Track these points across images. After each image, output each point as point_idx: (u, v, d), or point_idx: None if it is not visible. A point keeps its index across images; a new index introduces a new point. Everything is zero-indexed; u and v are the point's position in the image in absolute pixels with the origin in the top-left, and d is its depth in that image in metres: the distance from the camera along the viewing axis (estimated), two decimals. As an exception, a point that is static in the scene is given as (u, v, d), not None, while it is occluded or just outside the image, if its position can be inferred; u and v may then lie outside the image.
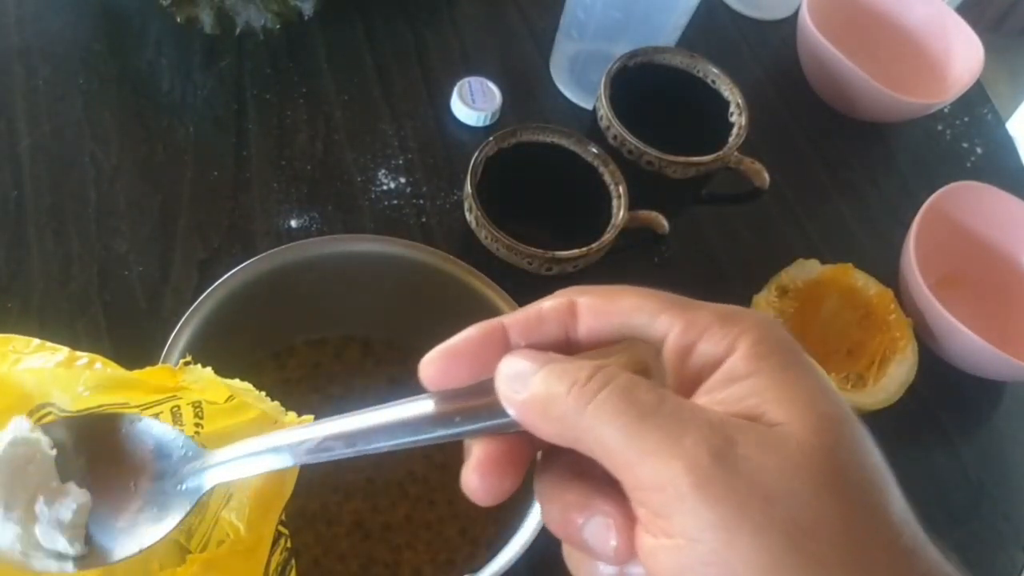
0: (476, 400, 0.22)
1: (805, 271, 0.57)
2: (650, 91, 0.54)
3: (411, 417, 0.23)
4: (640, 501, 0.20)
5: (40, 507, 0.27)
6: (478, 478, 0.22)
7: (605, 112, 0.52)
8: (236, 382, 0.31)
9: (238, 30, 0.58)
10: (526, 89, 0.64)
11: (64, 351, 0.31)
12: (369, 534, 0.44)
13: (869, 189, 0.68)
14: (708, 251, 0.61)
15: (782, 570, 0.18)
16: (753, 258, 0.61)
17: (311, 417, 0.31)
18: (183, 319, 0.40)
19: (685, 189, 0.54)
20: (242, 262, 0.42)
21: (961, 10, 0.71)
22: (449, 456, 0.46)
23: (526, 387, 0.21)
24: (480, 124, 0.61)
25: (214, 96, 0.59)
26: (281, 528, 0.32)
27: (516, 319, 0.23)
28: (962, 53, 0.69)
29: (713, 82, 0.55)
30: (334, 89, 0.61)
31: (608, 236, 0.48)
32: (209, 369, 0.32)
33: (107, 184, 0.54)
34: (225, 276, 0.42)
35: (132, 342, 0.48)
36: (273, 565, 0.32)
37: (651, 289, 0.23)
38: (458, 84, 0.61)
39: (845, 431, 0.20)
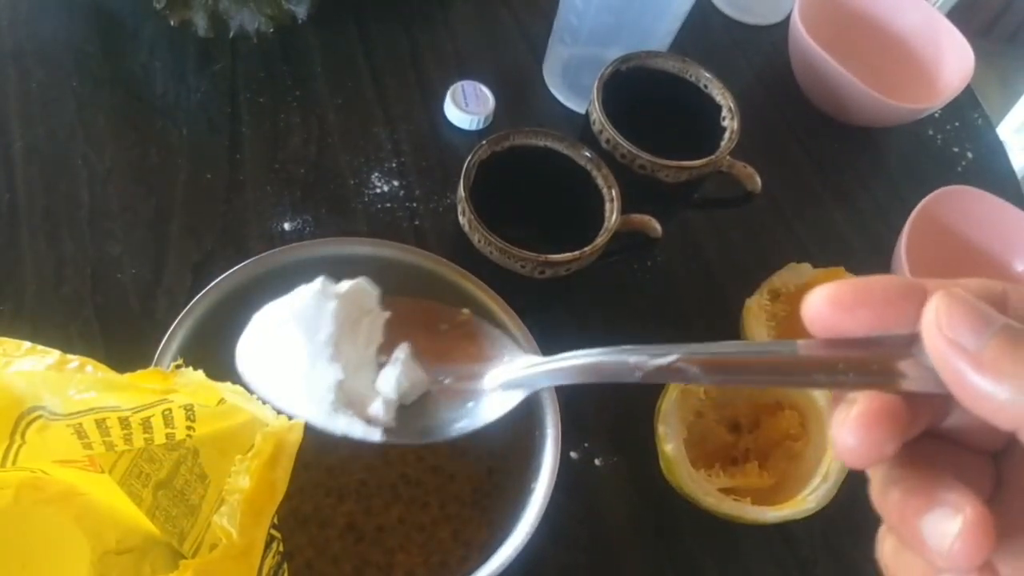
0: (868, 352, 0.20)
1: (797, 275, 0.57)
2: (643, 95, 0.54)
3: (790, 356, 0.20)
4: None
5: (358, 362, 0.26)
6: (859, 433, 0.19)
7: (598, 116, 0.52)
8: (227, 385, 0.31)
9: (231, 33, 0.58)
10: (519, 93, 0.65)
11: (55, 354, 0.31)
12: (362, 536, 0.44)
13: (860, 193, 0.68)
14: (700, 255, 0.61)
15: None
16: (745, 262, 0.61)
17: (302, 421, 0.31)
18: (176, 321, 0.40)
19: (677, 193, 0.54)
20: (235, 265, 0.42)
21: (951, 15, 0.72)
22: (442, 458, 0.46)
23: (982, 351, 0.18)
24: (473, 128, 0.61)
25: (207, 99, 0.59)
26: (273, 531, 0.32)
27: (938, 284, 0.20)
28: (952, 58, 0.69)
29: (705, 86, 0.55)
30: (328, 92, 0.61)
31: (601, 240, 0.48)
32: (200, 372, 0.32)
33: (100, 186, 0.54)
34: (218, 279, 0.41)
35: (125, 344, 0.48)
36: (266, 569, 0.32)
37: None
38: (451, 88, 0.61)
39: None
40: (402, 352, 0.26)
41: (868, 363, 0.20)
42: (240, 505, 0.30)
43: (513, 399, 0.26)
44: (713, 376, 0.21)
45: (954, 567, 0.19)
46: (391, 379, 0.26)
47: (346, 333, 0.26)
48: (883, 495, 0.20)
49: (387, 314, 0.27)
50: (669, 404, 0.49)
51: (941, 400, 0.20)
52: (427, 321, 0.28)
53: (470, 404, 0.26)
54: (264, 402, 0.29)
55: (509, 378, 0.26)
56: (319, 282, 0.27)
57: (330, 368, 0.25)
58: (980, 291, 0.20)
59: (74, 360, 0.30)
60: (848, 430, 0.20)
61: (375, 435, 0.26)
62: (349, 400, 0.26)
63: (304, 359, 0.26)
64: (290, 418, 0.30)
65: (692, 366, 0.21)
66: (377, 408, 0.26)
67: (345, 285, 0.27)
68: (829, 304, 0.20)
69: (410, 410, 0.26)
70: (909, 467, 0.20)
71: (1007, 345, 0.18)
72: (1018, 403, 0.18)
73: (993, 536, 0.19)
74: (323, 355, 0.26)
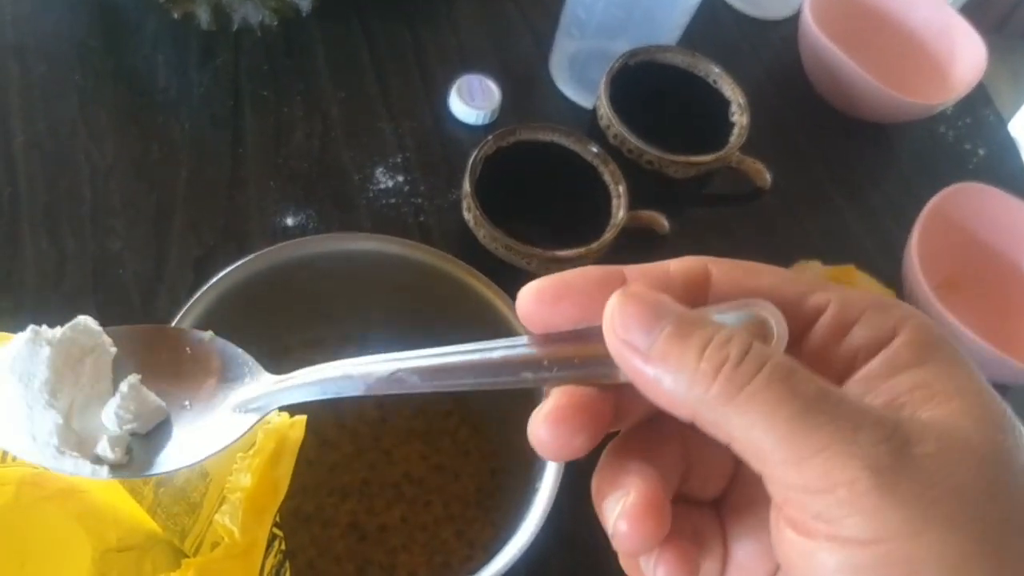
0: (574, 346, 0.20)
1: (807, 272, 0.57)
2: (651, 90, 0.54)
3: (497, 358, 0.21)
4: (795, 502, 0.18)
5: (84, 402, 0.26)
6: (549, 427, 0.20)
7: (605, 111, 0.52)
8: None
9: (235, 26, 0.57)
10: (525, 87, 0.64)
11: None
12: (365, 536, 0.43)
13: (871, 190, 0.68)
14: (708, 252, 0.60)
15: (971, 566, 0.17)
16: (754, 259, 0.60)
17: (303, 418, 0.31)
18: (177, 318, 0.39)
19: (686, 189, 0.53)
20: (237, 261, 0.42)
21: (964, 11, 0.71)
22: (445, 457, 0.45)
23: (650, 343, 0.19)
24: (479, 122, 0.60)
25: (210, 93, 0.58)
26: (275, 530, 0.31)
27: (638, 272, 0.21)
28: (965, 54, 0.68)
29: (714, 81, 0.55)
30: (331, 87, 0.61)
31: (608, 236, 0.48)
32: None
33: (102, 182, 0.53)
34: (220, 275, 0.41)
35: (126, 341, 0.48)
36: (267, 568, 0.31)
37: (784, 269, 0.21)
38: (456, 82, 0.61)
39: (1018, 431, 0.19)
40: (125, 384, 0.26)
41: (571, 358, 0.20)
42: (242, 503, 0.29)
43: (248, 421, 0.26)
44: (430, 382, 0.22)
45: (622, 548, 0.20)
46: (110, 414, 0.26)
47: (65, 376, 0.26)
48: (594, 483, 0.21)
49: (114, 350, 0.27)
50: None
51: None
52: (168, 347, 0.28)
53: (208, 429, 0.26)
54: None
55: (241, 400, 0.26)
56: (30, 330, 0.27)
57: (47, 413, 0.25)
58: (680, 273, 0.21)
59: None
60: (539, 424, 0.20)
61: (102, 473, 0.25)
62: (79, 440, 0.26)
63: (23, 407, 0.26)
64: (289, 420, 0.30)
65: (411, 375, 0.22)
66: (104, 446, 0.26)
67: (59, 330, 0.27)
68: (534, 299, 0.21)
69: (150, 440, 0.26)
70: (622, 457, 0.21)
71: (674, 338, 0.19)
72: (687, 393, 0.18)
73: (658, 519, 0.20)
74: (39, 401, 0.26)
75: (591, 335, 0.20)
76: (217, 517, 0.30)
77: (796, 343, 0.20)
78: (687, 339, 0.19)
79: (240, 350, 0.28)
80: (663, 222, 0.50)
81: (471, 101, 0.60)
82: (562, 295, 0.21)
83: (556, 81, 0.65)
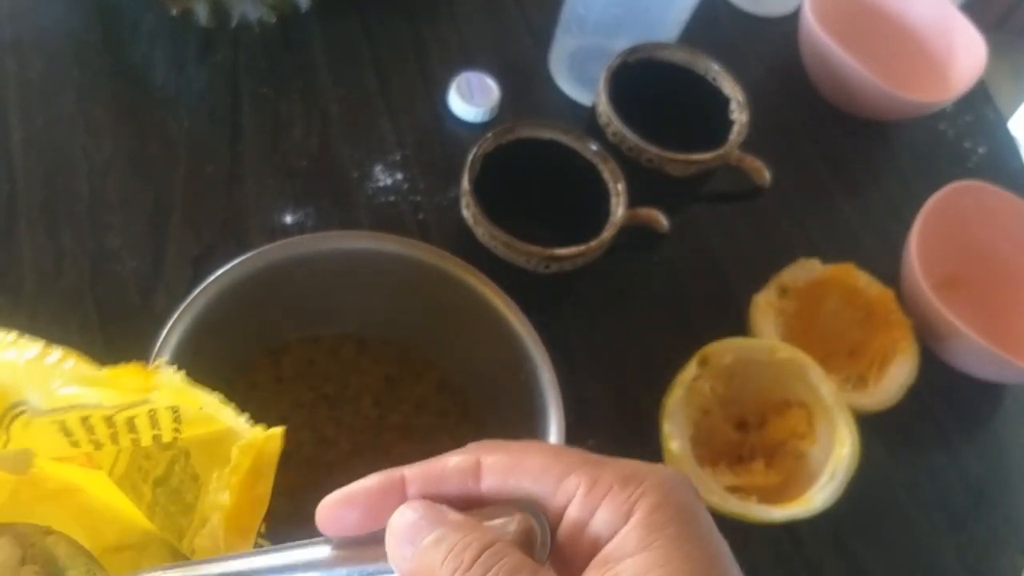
0: (367, 549, 0.23)
1: (806, 271, 0.57)
2: (650, 87, 0.54)
3: (297, 561, 0.23)
4: None
5: None
6: None
7: (604, 108, 0.51)
8: (205, 393, 0.31)
9: (233, 23, 0.57)
10: (525, 85, 0.64)
11: (37, 346, 0.30)
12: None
13: (871, 188, 0.67)
14: (708, 250, 0.61)
15: None
16: (753, 257, 0.60)
17: (280, 430, 0.30)
18: (176, 315, 0.39)
19: (685, 187, 0.53)
20: (236, 258, 0.42)
21: (964, 8, 0.71)
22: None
23: (414, 553, 0.21)
24: (478, 120, 0.60)
25: (209, 90, 0.58)
26: (262, 541, 0.31)
27: (417, 473, 0.23)
28: (965, 52, 0.68)
29: (714, 79, 0.55)
30: (330, 83, 0.61)
31: (607, 234, 0.48)
32: (180, 375, 0.31)
33: (100, 178, 0.53)
34: (219, 272, 0.41)
35: (124, 338, 0.48)
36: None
37: (560, 446, 0.24)
38: (456, 79, 0.60)
39: None
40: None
41: (360, 558, 0.22)
42: (222, 524, 0.29)
43: None
44: None
45: None
46: None
47: None
48: None
49: None
50: (675, 401, 0.48)
51: None
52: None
53: None
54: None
55: None
56: None
57: None
58: (455, 469, 0.23)
59: (56, 351, 0.30)
60: None
61: None
62: None
63: None
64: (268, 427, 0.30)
65: None
66: None
67: None
68: (326, 507, 0.23)
69: None
70: None
71: (429, 547, 0.21)
72: None
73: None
74: None
75: (375, 539, 0.22)
76: (198, 541, 0.30)
77: (554, 530, 0.22)
78: (438, 547, 0.21)
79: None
80: (662, 220, 0.50)
81: (470, 98, 0.60)
82: (349, 503, 0.23)
83: (555, 78, 0.65)
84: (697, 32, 0.61)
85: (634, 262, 0.58)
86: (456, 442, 0.46)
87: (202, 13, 0.56)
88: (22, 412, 0.29)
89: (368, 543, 0.23)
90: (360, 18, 0.64)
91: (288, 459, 0.44)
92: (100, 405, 0.29)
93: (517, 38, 0.67)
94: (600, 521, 0.21)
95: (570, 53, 0.63)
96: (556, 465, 0.22)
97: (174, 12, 0.56)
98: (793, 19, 0.70)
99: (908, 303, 0.57)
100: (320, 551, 0.23)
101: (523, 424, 0.42)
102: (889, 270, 0.59)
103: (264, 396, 0.45)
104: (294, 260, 0.43)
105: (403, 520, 0.22)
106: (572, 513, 0.22)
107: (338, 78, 0.61)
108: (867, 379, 0.55)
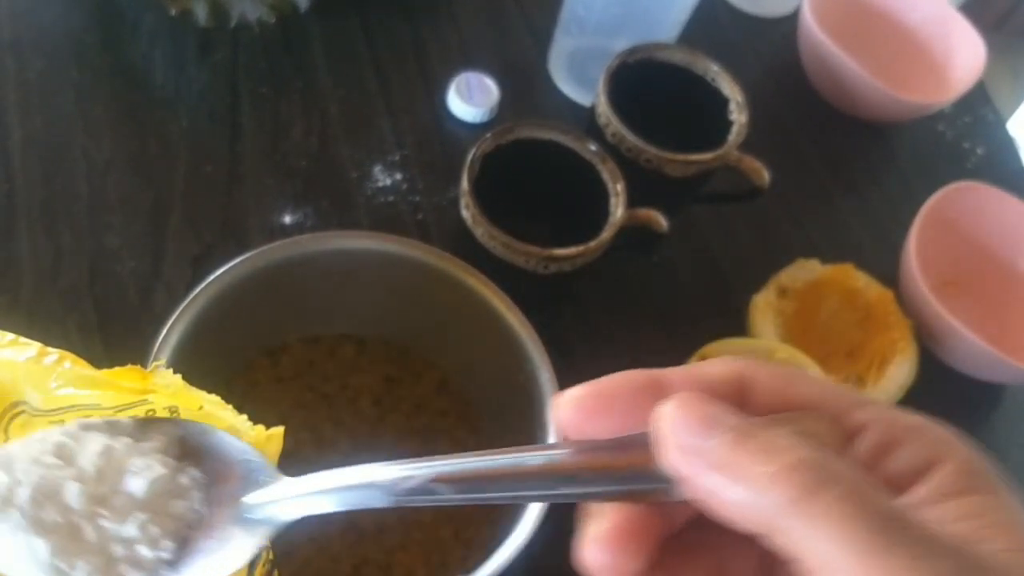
0: (616, 456, 0.19)
1: (805, 271, 0.57)
2: (649, 88, 0.54)
3: (535, 468, 0.20)
4: None
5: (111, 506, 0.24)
6: (604, 553, 0.19)
7: (604, 109, 0.51)
8: (204, 394, 0.30)
9: (233, 23, 0.57)
10: (524, 85, 0.64)
11: (35, 347, 0.30)
12: (362, 535, 0.43)
13: (870, 189, 0.67)
14: (707, 250, 0.61)
15: None
16: (752, 258, 0.60)
17: (281, 430, 0.30)
18: (175, 315, 0.39)
19: (684, 187, 0.53)
20: (235, 258, 0.42)
21: (963, 10, 0.71)
22: (444, 456, 0.45)
23: (712, 455, 0.18)
24: (477, 120, 0.60)
25: (208, 90, 0.58)
26: None
27: (682, 376, 0.20)
28: (964, 53, 0.68)
29: (713, 79, 0.55)
30: (330, 83, 0.61)
31: (606, 234, 0.48)
32: (178, 377, 0.31)
33: (99, 178, 0.53)
34: (218, 272, 0.41)
35: (123, 338, 0.48)
36: (256, 579, 0.31)
37: (822, 376, 0.21)
38: (455, 79, 0.60)
39: None
40: (155, 494, 0.24)
41: (613, 469, 0.19)
42: None
43: (253, 540, 0.23)
44: (464, 494, 0.20)
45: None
46: (134, 526, 0.23)
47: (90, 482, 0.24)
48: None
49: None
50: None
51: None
52: (174, 441, 0.26)
53: (214, 541, 0.23)
54: None
55: (249, 507, 0.23)
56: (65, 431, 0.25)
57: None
58: (721, 380, 0.20)
59: (53, 353, 0.30)
60: (591, 549, 0.19)
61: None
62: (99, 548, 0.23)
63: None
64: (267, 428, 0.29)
65: (443, 486, 0.20)
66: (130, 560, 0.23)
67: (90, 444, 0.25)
68: (573, 409, 0.20)
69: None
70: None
71: (738, 444, 0.18)
72: (755, 502, 0.18)
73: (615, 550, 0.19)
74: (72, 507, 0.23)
75: (633, 444, 0.19)
76: None
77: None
78: (752, 445, 0.18)
79: (247, 447, 0.25)
80: (661, 220, 0.50)
81: (470, 99, 0.60)
82: (603, 405, 0.20)
83: (555, 79, 0.65)
84: (696, 33, 0.61)
85: (633, 262, 0.58)
86: (455, 443, 0.46)
87: (201, 13, 0.56)
88: (21, 412, 0.29)
89: (618, 448, 0.19)
90: (360, 18, 0.64)
91: (287, 459, 0.44)
92: (99, 406, 0.29)
93: (517, 38, 0.67)
94: (903, 460, 0.19)
95: (569, 53, 0.63)
96: (839, 397, 0.20)
97: (173, 12, 0.56)
98: (792, 20, 0.70)
99: (907, 304, 0.57)
100: (558, 456, 0.19)
101: (522, 424, 0.42)
102: (888, 271, 0.59)
103: (264, 396, 0.45)
104: (294, 260, 0.43)
105: (691, 412, 0.18)
106: (864, 448, 0.19)
107: (337, 78, 0.61)
108: (866, 380, 0.55)
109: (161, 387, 0.30)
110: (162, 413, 0.30)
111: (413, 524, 0.44)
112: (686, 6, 0.58)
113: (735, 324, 0.55)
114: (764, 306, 0.55)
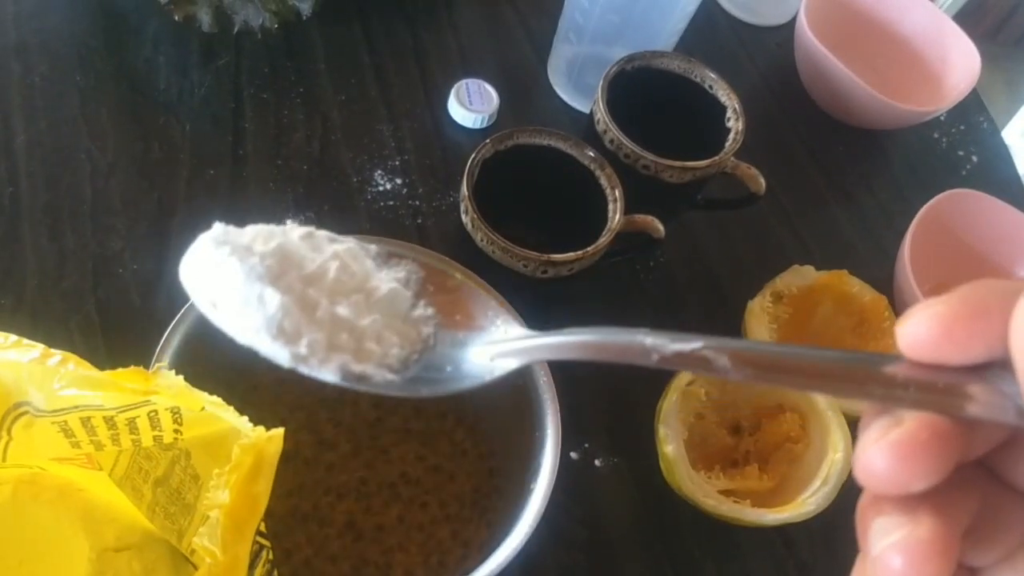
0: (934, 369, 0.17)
1: (800, 277, 0.57)
2: (647, 95, 0.54)
3: (840, 366, 0.18)
4: None
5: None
6: (897, 458, 0.16)
7: (602, 116, 0.52)
8: (205, 395, 0.31)
9: (236, 29, 0.58)
10: (523, 92, 0.64)
11: (38, 348, 0.30)
12: (361, 535, 0.44)
13: (865, 196, 0.68)
14: (703, 256, 0.61)
15: None
16: (748, 263, 0.61)
17: (281, 431, 0.31)
18: (177, 318, 0.40)
19: (681, 194, 0.54)
20: (237, 261, 0.42)
21: (958, 18, 0.72)
22: (442, 458, 0.46)
23: None
24: (477, 126, 0.61)
25: (211, 95, 0.59)
26: (262, 540, 0.31)
27: None
28: (959, 61, 0.69)
29: (710, 87, 0.55)
30: (331, 89, 0.61)
31: (604, 240, 0.48)
32: (181, 378, 0.31)
33: (103, 181, 0.54)
34: (220, 275, 0.41)
35: (126, 340, 0.48)
36: (256, 579, 0.31)
37: None
38: (455, 86, 0.61)
39: None
40: (411, 310, 0.26)
41: (934, 380, 0.17)
42: (221, 522, 0.29)
43: (507, 366, 0.25)
44: (743, 370, 0.19)
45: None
46: (391, 330, 0.25)
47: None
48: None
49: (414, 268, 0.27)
50: (670, 405, 0.49)
51: (1003, 433, 0.18)
52: (433, 280, 0.28)
53: (463, 367, 0.25)
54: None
55: (508, 348, 0.25)
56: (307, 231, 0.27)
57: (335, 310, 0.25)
58: None
59: (56, 355, 0.30)
60: (883, 453, 0.17)
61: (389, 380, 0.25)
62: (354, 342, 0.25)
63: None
64: (267, 428, 0.30)
65: (722, 356, 0.19)
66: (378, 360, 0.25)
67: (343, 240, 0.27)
68: (938, 326, 0.17)
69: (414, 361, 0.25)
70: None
71: None
72: None
73: (943, 566, 0.16)
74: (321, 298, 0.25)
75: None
76: (196, 539, 0.30)
77: None
78: None
79: (492, 300, 0.27)
80: (658, 226, 0.51)
81: (470, 105, 0.60)
82: (981, 332, 0.16)
83: (554, 86, 0.65)
84: (694, 41, 0.62)
85: (630, 268, 0.59)
86: (454, 445, 0.47)
87: (205, 19, 0.57)
88: (24, 412, 0.30)
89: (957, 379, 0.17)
90: (361, 25, 0.65)
91: (287, 460, 0.45)
92: (101, 406, 0.30)
93: (516, 46, 0.67)
94: None
95: (568, 61, 0.64)
96: None
97: (177, 18, 0.57)
98: (789, 28, 0.71)
99: (901, 310, 0.58)
100: (875, 361, 0.17)
101: (520, 427, 0.43)
102: (882, 277, 0.60)
103: (264, 398, 0.46)
104: (295, 263, 0.44)
105: None
106: None
107: (339, 84, 0.61)
108: (860, 385, 0.56)
109: (163, 388, 0.31)
110: (164, 413, 0.30)
111: (412, 525, 0.44)
112: (683, 15, 0.59)
113: (730, 329, 0.56)
114: (759, 311, 0.56)
